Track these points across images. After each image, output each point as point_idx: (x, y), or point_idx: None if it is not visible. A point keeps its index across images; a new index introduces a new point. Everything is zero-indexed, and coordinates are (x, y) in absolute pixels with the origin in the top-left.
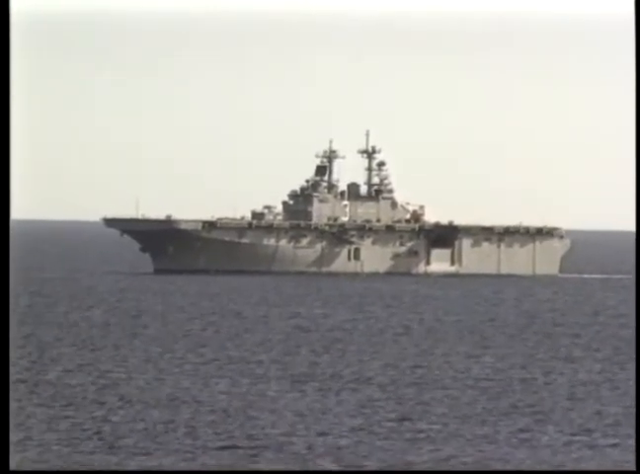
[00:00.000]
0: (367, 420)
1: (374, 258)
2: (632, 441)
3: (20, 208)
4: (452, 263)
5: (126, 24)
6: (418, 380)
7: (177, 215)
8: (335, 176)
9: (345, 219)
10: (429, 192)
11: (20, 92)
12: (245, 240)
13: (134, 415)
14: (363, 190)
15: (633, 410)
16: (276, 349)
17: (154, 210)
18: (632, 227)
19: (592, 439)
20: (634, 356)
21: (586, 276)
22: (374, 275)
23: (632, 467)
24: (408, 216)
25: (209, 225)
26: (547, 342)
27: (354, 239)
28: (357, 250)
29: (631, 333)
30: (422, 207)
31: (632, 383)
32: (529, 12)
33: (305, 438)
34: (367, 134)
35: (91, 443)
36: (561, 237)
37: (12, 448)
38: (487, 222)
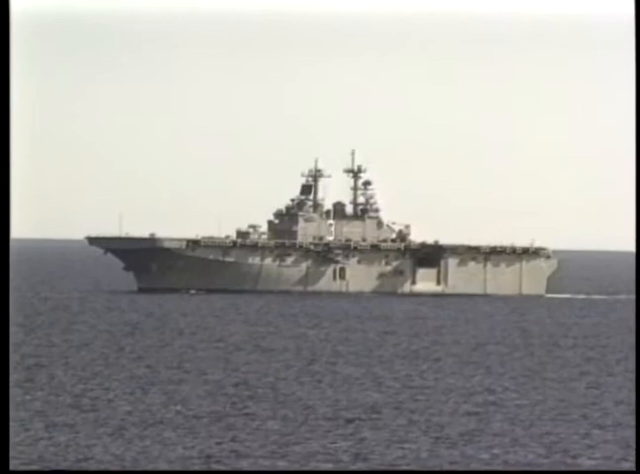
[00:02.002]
0: (350, 440)
1: (360, 277)
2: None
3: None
4: (438, 282)
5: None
6: (402, 401)
7: (161, 234)
8: (320, 195)
9: (330, 238)
10: (415, 211)
11: (20, 93)
12: (229, 259)
13: (110, 434)
14: (349, 209)
15: (613, 434)
16: (260, 369)
17: (138, 228)
18: (619, 247)
19: (572, 460)
20: (611, 377)
21: (572, 296)
22: (360, 294)
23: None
24: (394, 236)
25: (193, 244)
26: (535, 363)
27: (339, 258)
28: (342, 269)
29: (614, 354)
30: (408, 227)
31: (617, 405)
32: (527, 14)
33: (286, 458)
34: (353, 154)
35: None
36: (548, 257)
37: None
38: (473, 242)
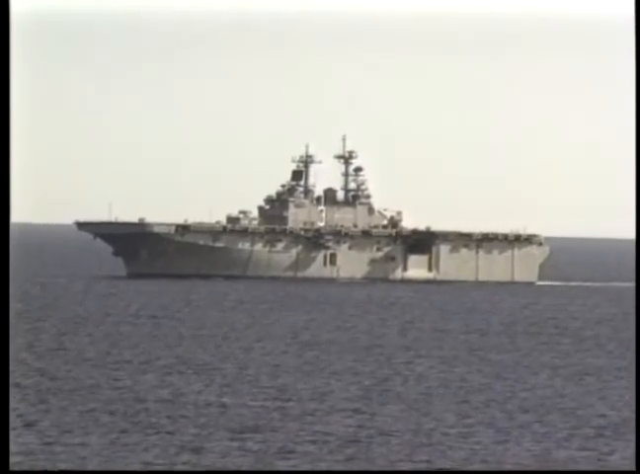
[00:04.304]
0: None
1: (351, 263)
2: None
3: None
4: (430, 269)
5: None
6: (383, 389)
7: (150, 219)
8: (311, 181)
9: (321, 224)
10: (406, 197)
11: (19, 93)
12: (219, 244)
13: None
14: (340, 195)
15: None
16: (247, 357)
17: (127, 213)
18: (611, 234)
19: (547, 452)
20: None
21: (564, 283)
22: (351, 280)
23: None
24: (385, 222)
25: (183, 229)
26: (525, 351)
27: (330, 244)
28: (333, 255)
29: (607, 342)
30: (399, 213)
31: (598, 398)
32: (523, 13)
33: (260, 444)
34: (344, 139)
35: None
36: (540, 244)
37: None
38: (465, 228)
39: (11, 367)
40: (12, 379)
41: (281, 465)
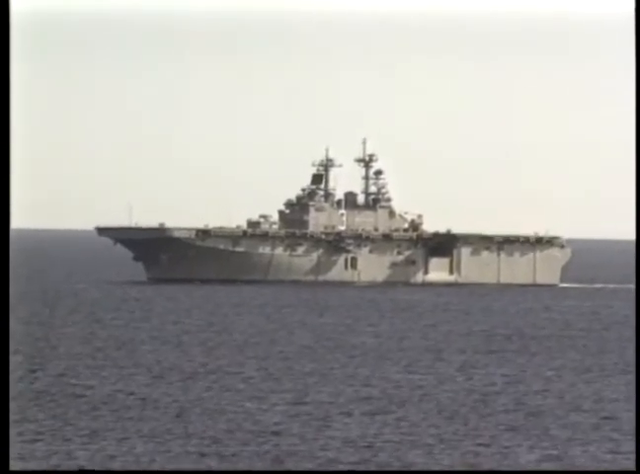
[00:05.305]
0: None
1: (372, 267)
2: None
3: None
4: (451, 272)
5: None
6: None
7: (171, 223)
8: (331, 184)
9: (342, 228)
10: (427, 200)
11: (19, 93)
12: (240, 248)
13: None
14: (361, 198)
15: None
16: (268, 362)
17: (148, 218)
18: (634, 236)
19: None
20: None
21: (587, 285)
22: (371, 284)
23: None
24: (406, 225)
25: (203, 233)
26: (541, 355)
27: (350, 248)
28: (354, 259)
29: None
30: (420, 216)
31: (613, 398)
32: (529, 12)
33: (271, 449)
34: (364, 143)
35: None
36: (562, 246)
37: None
38: (486, 231)
39: (33, 374)
40: (33, 386)
41: (298, 468)
